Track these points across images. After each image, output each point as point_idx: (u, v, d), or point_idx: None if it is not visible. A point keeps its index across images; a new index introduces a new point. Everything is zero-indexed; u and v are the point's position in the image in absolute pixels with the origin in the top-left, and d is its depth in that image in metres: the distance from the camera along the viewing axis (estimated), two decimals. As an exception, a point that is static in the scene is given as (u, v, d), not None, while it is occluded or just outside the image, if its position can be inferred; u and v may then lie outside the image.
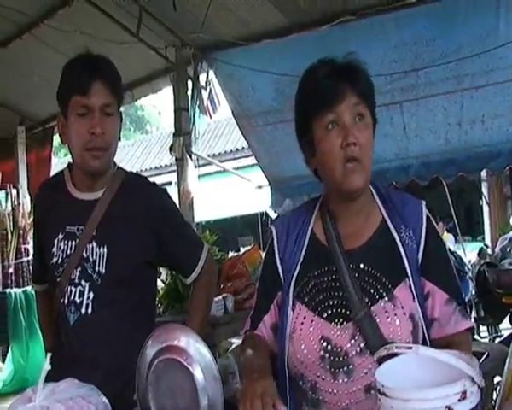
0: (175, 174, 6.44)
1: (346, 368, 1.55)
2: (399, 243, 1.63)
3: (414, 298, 1.59)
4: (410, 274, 1.60)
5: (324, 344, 1.58)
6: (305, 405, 1.64)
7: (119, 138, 2.15)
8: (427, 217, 1.68)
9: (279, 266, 1.75)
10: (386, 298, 1.58)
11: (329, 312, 1.62)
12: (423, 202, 1.71)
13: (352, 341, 1.56)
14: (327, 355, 1.57)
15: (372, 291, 1.60)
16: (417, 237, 1.64)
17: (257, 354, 1.68)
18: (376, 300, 1.59)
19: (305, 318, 1.63)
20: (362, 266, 1.63)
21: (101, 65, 2.05)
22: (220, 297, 4.01)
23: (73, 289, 2.06)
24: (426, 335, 1.59)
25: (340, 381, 1.55)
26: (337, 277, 1.64)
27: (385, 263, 1.63)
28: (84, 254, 2.06)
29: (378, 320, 1.56)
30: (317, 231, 1.74)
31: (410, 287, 1.60)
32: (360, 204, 1.69)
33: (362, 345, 1.55)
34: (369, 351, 1.54)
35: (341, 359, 1.56)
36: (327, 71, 1.62)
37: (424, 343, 1.58)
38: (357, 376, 1.55)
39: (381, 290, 1.60)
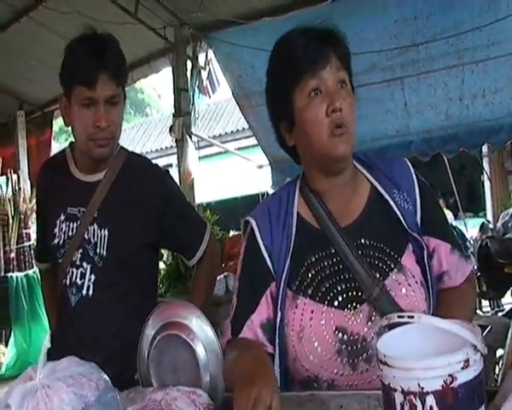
0: (175, 156, 6.42)
1: (365, 355, 1.44)
2: (395, 207, 1.55)
3: (418, 262, 1.53)
4: (411, 237, 1.53)
5: (340, 335, 1.46)
6: None
7: (122, 118, 2.11)
8: (415, 173, 1.61)
9: (266, 256, 1.57)
10: (396, 269, 1.50)
11: (340, 298, 1.49)
12: (406, 160, 1.65)
13: (369, 323, 1.46)
14: (343, 347, 1.45)
15: (380, 265, 1.51)
16: (412, 199, 1.57)
17: (247, 354, 1.42)
18: (387, 273, 1.50)
19: (313, 312, 1.49)
20: (363, 241, 1.53)
21: (107, 53, 1.96)
22: (222, 276, 4.02)
23: (75, 270, 2.06)
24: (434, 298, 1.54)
25: (361, 370, 1.44)
26: (339, 259, 1.52)
27: (385, 230, 1.55)
28: (86, 236, 2.05)
29: (393, 294, 1.47)
30: (304, 213, 1.60)
31: (414, 252, 1.54)
32: (346, 176, 1.58)
33: None
34: (387, 329, 1.43)
35: (359, 346, 1.45)
36: (306, 37, 1.51)
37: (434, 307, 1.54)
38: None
39: (388, 262, 1.51)
